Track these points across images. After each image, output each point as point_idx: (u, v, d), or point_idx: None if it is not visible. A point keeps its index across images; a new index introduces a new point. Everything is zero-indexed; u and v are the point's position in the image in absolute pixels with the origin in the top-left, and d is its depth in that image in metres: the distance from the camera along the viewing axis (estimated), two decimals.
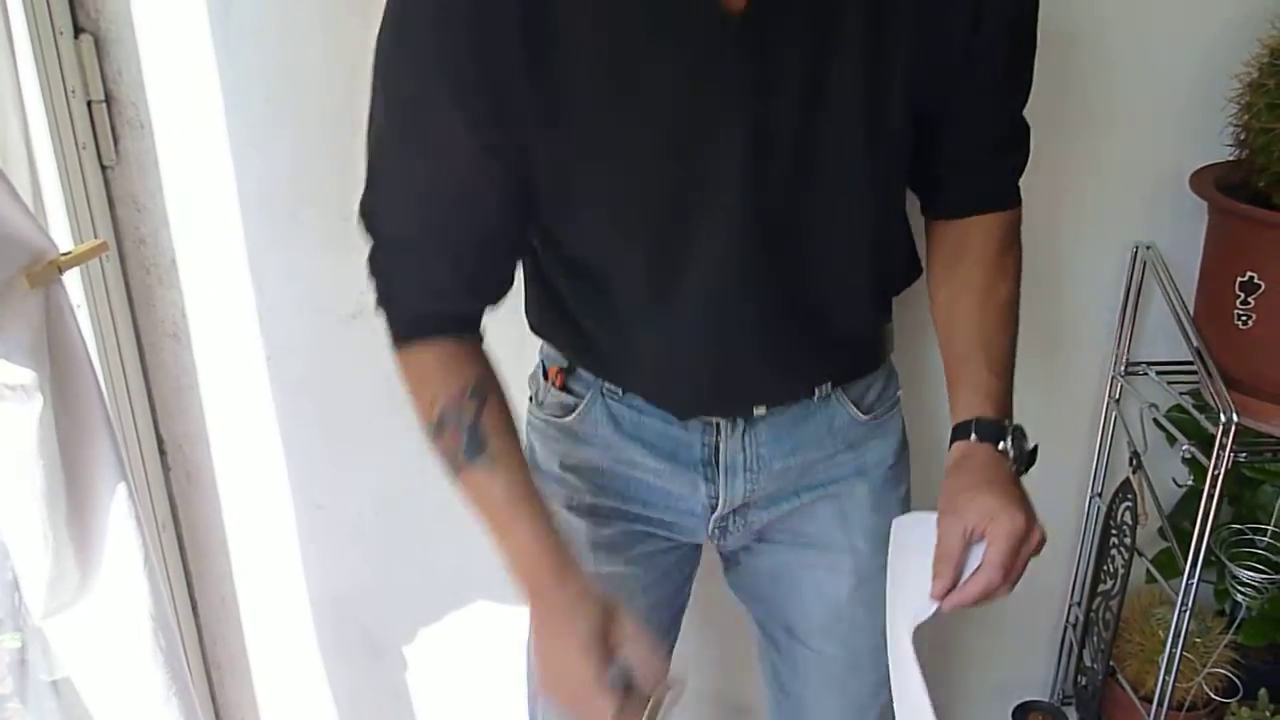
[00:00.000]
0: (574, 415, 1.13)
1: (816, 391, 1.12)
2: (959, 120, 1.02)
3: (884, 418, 1.18)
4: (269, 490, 1.59)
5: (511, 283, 1.03)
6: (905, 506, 1.21)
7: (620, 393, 1.11)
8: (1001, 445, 1.02)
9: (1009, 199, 1.10)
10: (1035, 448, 1.04)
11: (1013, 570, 0.95)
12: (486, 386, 1.00)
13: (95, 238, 1.36)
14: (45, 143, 1.29)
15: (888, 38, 0.91)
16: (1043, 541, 0.97)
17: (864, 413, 1.15)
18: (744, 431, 1.11)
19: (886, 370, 1.19)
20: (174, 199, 1.39)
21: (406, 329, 1.01)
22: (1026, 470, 1.04)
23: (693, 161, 0.92)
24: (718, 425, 1.11)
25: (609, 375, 1.12)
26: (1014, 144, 1.08)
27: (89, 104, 1.33)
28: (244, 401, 1.52)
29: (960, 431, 1.04)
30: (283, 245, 1.43)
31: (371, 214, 0.97)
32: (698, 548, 1.26)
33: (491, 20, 0.85)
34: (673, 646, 1.29)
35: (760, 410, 1.11)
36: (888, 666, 1.04)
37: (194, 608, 1.66)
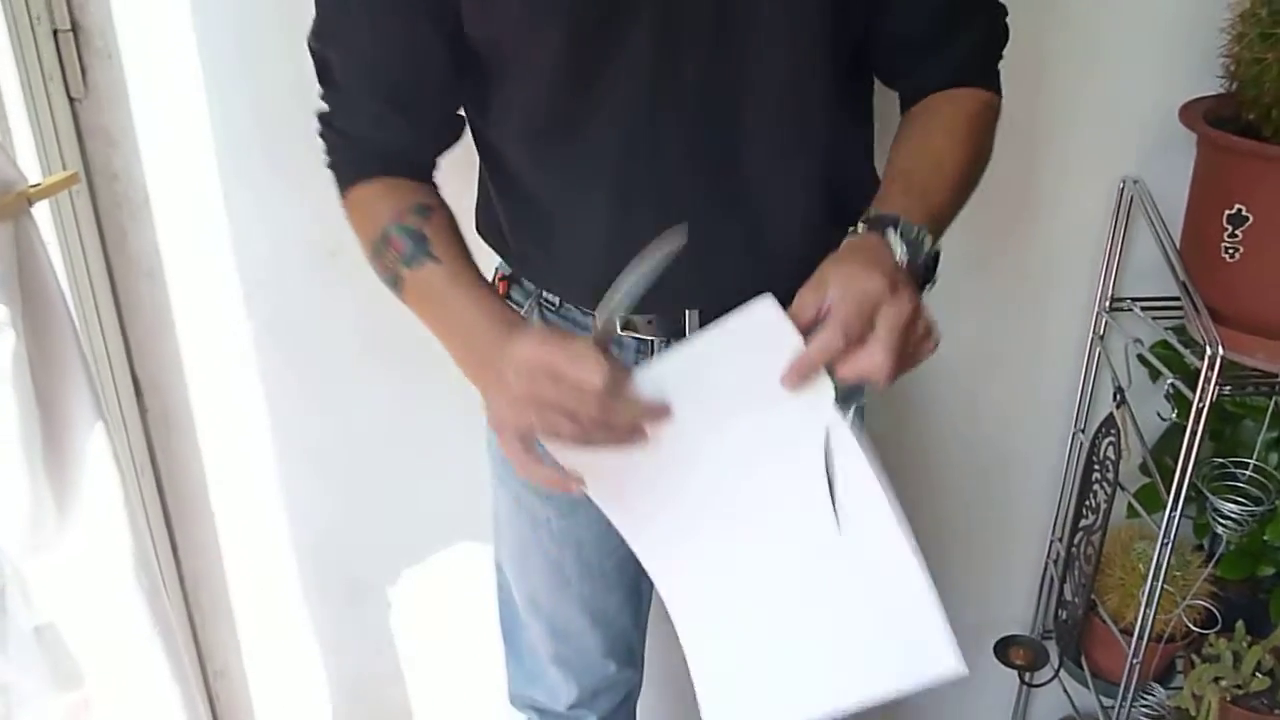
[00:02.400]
0: None
1: None
2: None
3: None
4: (249, 431, 1.57)
5: (455, 129, 1.03)
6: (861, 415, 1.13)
7: (557, 304, 1.11)
8: (888, 235, 0.87)
9: (978, 77, 1.03)
10: (938, 254, 0.93)
11: (859, 332, 0.80)
12: (433, 205, 0.98)
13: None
14: (11, 73, 1.25)
15: None
16: (926, 332, 0.83)
17: None
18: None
19: None
20: (146, 132, 1.35)
21: (354, 172, 1.00)
22: (927, 277, 0.92)
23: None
24: (652, 345, 1.10)
25: (542, 281, 1.11)
26: (972, 15, 1.01)
27: (55, 33, 1.29)
28: (222, 341, 1.50)
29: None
30: (260, 180, 1.39)
31: (316, 51, 0.98)
32: None
33: None
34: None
35: (693, 321, 1.06)
36: None
37: (174, 551, 1.65)
